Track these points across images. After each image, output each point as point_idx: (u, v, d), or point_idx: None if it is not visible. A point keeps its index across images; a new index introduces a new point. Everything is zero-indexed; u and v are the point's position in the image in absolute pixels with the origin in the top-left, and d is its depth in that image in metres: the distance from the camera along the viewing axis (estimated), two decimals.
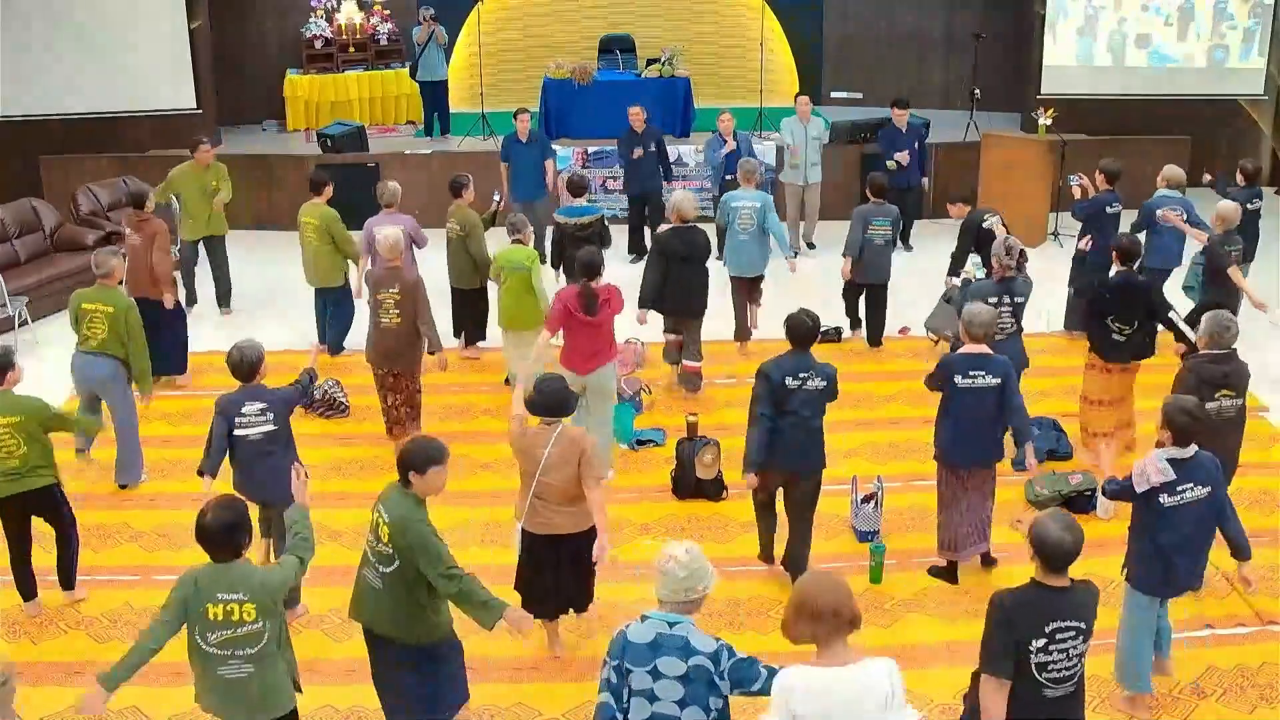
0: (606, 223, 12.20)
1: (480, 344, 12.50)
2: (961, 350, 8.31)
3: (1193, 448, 6.71)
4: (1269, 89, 18.04)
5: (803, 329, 8.08)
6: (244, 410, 7.74)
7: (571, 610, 7.76)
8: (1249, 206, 12.65)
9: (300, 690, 6.10)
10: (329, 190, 12.38)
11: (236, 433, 7.77)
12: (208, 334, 12.71)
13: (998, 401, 8.17)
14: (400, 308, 10.07)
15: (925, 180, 15.67)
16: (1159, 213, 11.69)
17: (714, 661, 5.12)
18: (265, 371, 7.98)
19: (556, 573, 7.46)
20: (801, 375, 7.97)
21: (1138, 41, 17.69)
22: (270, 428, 7.78)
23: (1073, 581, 5.33)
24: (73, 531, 8.28)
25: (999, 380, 8.13)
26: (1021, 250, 9.67)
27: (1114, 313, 9.79)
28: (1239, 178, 12.87)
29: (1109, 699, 7.24)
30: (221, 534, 5.68)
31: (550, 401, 7.27)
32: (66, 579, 8.30)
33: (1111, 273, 10.25)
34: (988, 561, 8.58)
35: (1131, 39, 17.69)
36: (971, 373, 8.13)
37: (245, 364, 7.83)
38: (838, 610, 4.79)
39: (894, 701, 4.76)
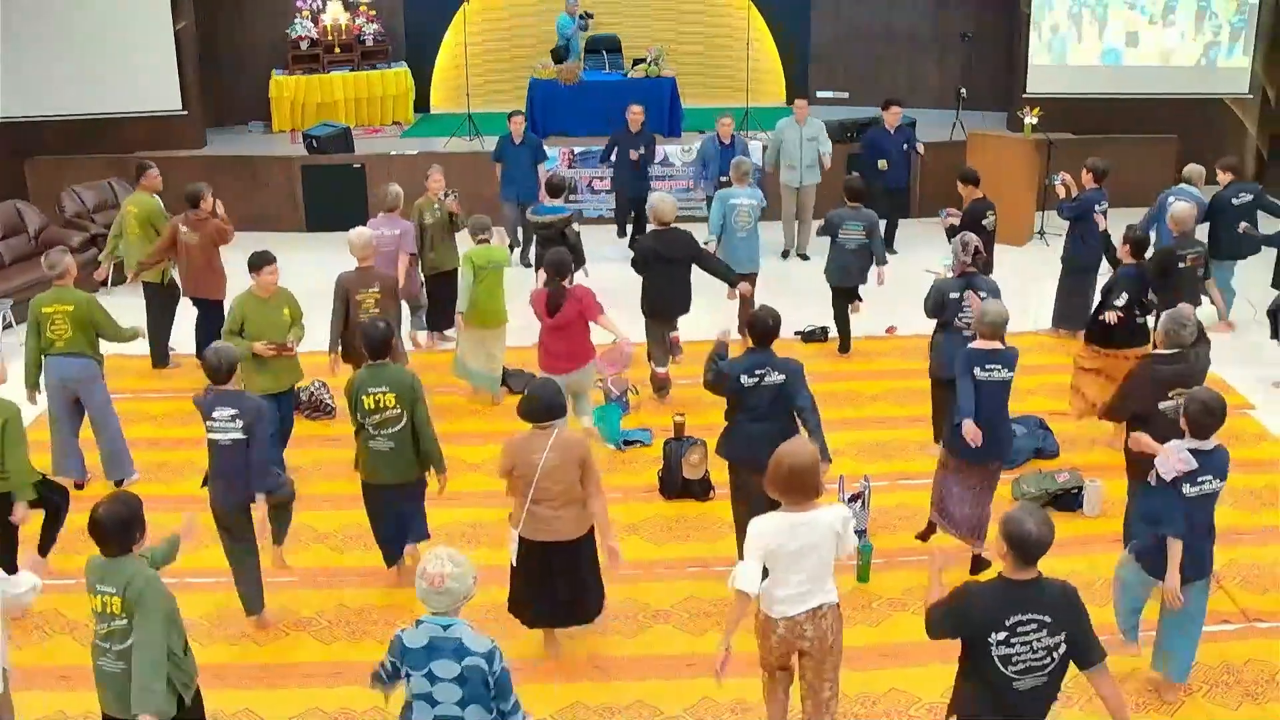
0: (575, 223, 12.14)
1: (449, 332, 12.41)
2: (975, 345, 8.33)
3: (1213, 441, 6.77)
4: (1254, 87, 18.09)
5: (762, 326, 8.07)
6: (214, 415, 7.64)
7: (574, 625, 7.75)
8: (1235, 201, 12.73)
9: (186, 704, 5.97)
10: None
11: (209, 436, 7.70)
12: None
13: (1008, 394, 8.29)
14: (381, 307, 10.03)
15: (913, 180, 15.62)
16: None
17: (488, 660, 5.25)
18: (240, 376, 7.92)
19: (552, 580, 7.42)
20: (758, 372, 7.97)
21: (1124, 40, 17.72)
22: (239, 436, 7.61)
23: (1040, 575, 5.34)
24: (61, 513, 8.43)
25: (1012, 374, 8.24)
26: (978, 248, 9.69)
27: (1134, 303, 10.01)
28: (1220, 175, 12.94)
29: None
30: (112, 529, 5.72)
31: (544, 405, 7.23)
32: (43, 546, 8.48)
33: (1126, 265, 10.29)
34: (978, 565, 8.57)
35: (1117, 38, 17.72)
36: (989, 366, 8.19)
37: (220, 368, 7.66)
38: (804, 480, 5.94)
39: (844, 536, 6.10)
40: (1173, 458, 6.75)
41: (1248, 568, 8.60)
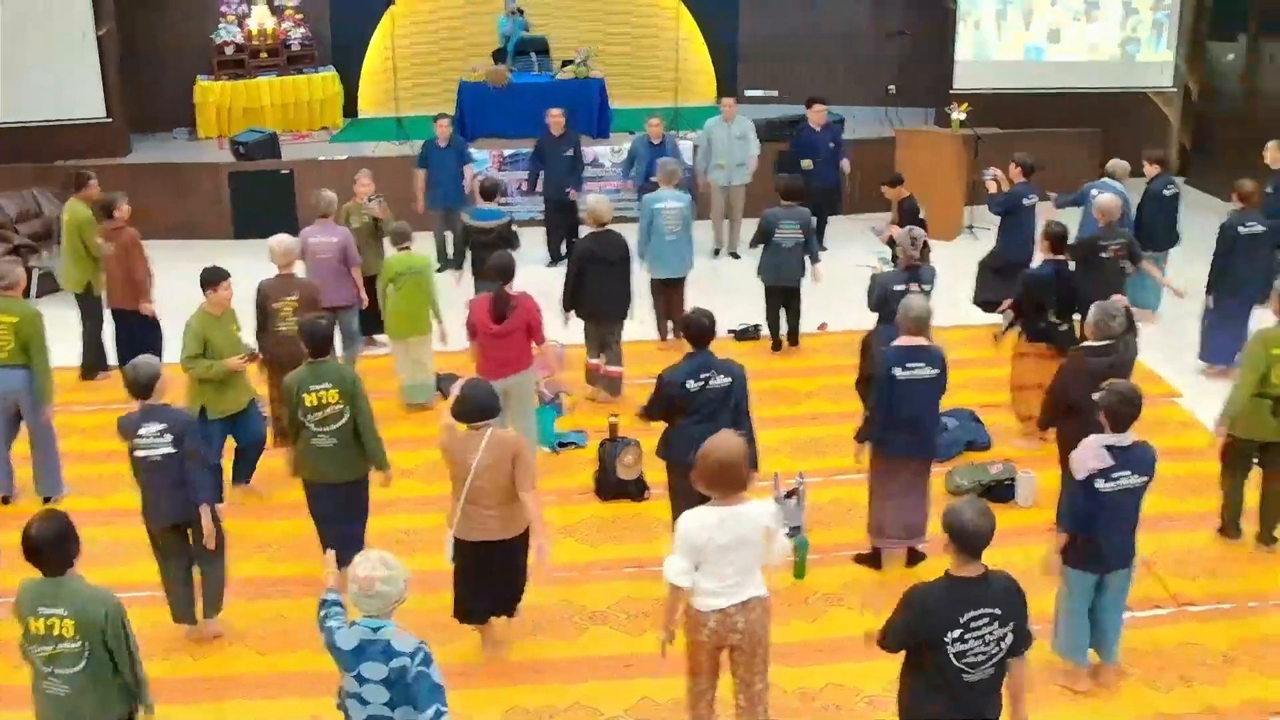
0: (515, 227, 12.12)
1: (379, 338, 12.28)
2: (898, 342, 8.34)
3: (1131, 435, 6.83)
4: (1177, 81, 18.35)
5: (700, 328, 8.10)
6: (141, 432, 7.48)
7: (504, 615, 7.74)
8: (1165, 193, 12.92)
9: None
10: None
11: (136, 454, 7.52)
12: None
13: (936, 392, 8.29)
14: (299, 315, 9.77)
15: (844, 162, 15.60)
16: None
17: (412, 659, 5.26)
18: (166, 389, 7.74)
19: (490, 579, 7.42)
20: (703, 376, 7.98)
21: (1048, 36, 17.92)
22: (169, 450, 7.48)
23: (987, 570, 5.41)
24: None
25: (938, 371, 8.22)
26: (925, 242, 9.78)
27: (1051, 300, 10.02)
28: (1148, 167, 13.11)
29: (1050, 673, 7.35)
30: (47, 546, 5.61)
31: (476, 405, 7.22)
32: None
33: (1038, 263, 10.40)
34: (914, 558, 8.62)
35: (1042, 33, 17.91)
36: (910, 365, 8.17)
37: (139, 382, 7.52)
38: (732, 473, 5.97)
39: (774, 534, 6.09)
40: (1087, 455, 6.82)
41: (1178, 554, 8.72)
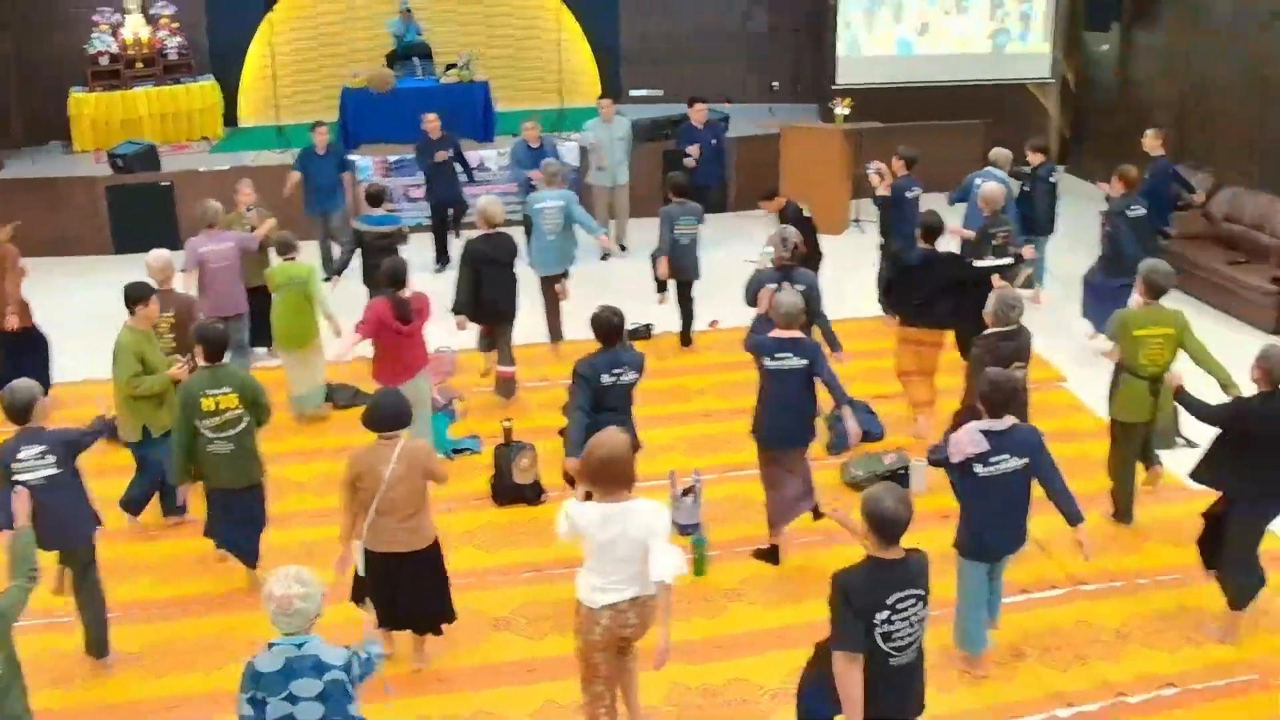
0: (406, 232, 12.01)
1: (259, 350, 12.08)
2: (772, 334, 8.42)
3: (1009, 419, 6.93)
4: (1055, 72, 18.70)
5: (609, 325, 8.16)
6: (20, 455, 7.23)
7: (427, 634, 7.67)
8: (1050, 180, 13.17)
9: None
10: None
11: (16, 479, 7.19)
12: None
13: (806, 383, 8.36)
14: (175, 332, 9.61)
15: (727, 175, 15.68)
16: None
17: (346, 671, 5.26)
18: (45, 412, 7.50)
19: (397, 590, 7.33)
20: (615, 371, 8.08)
21: (918, 30, 18.16)
22: (52, 471, 7.27)
23: (906, 551, 5.48)
24: None
25: (806, 361, 8.30)
26: (796, 244, 9.84)
27: (920, 288, 10.16)
28: (1031, 156, 13.34)
29: (949, 658, 7.46)
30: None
31: (389, 414, 7.14)
32: None
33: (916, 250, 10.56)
34: (815, 514, 8.71)
35: (917, 27, 18.16)
36: (779, 355, 8.30)
37: (15, 406, 7.29)
38: (616, 470, 6.00)
39: (657, 531, 5.99)
40: (963, 440, 6.92)
41: (1069, 534, 8.81)
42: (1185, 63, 16.28)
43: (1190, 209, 14.16)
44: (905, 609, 5.39)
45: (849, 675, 5.38)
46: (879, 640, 5.37)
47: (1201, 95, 15.82)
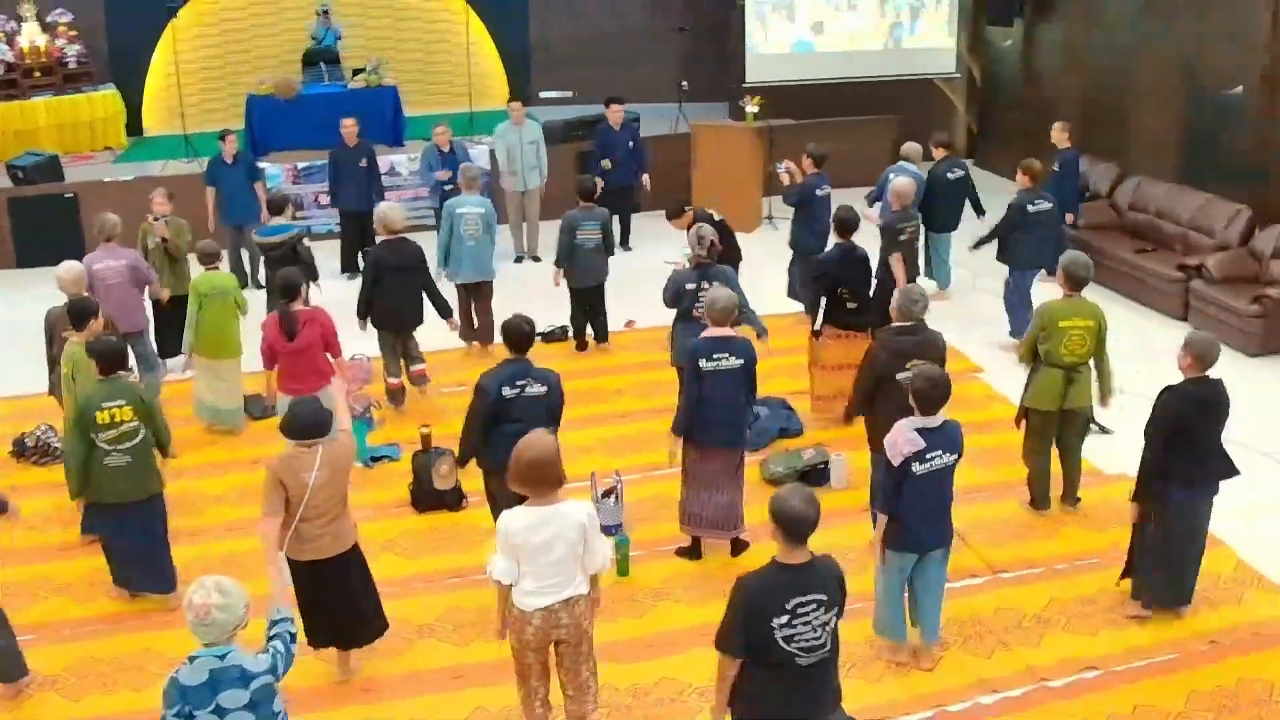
0: (304, 240, 11.79)
1: (170, 362, 11.88)
2: (705, 334, 8.41)
3: (941, 416, 6.98)
4: (960, 67, 18.92)
5: (519, 334, 8.04)
6: None
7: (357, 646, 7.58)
8: (950, 176, 13.29)
9: None
10: None
11: None
12: None
13: (740, 382, 8.35)
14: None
15: (644, 176, 15.65)
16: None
17: (274, 674, 5.26)
18: None
19: (325, 597, 7.24)
20: (519, 383, 7.90)
21: (813, 28, 18.30)
22: None
23: (813, 556, 5.46)
24: None
25: (743, 361, 8.30)
26: (713, 242, 9.87)
27: (841, 284, 10.18)
28: (935, 151, 13.48)
29: (875, 649, 7.53)
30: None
31: (308, 422, 7.02)
32: None
33: (830, 245, 10.63)
34: (738, 547, 8.68)
35: (823, 24, 18.30)
36: (716, 356, 8.26)
37: None
38: (545, 472, 6.04)
39: (591, 530, 6.15)
40: (900, 440, 6.96)
41: (988, 523, 8.98)
42: (1087, 55, 16.55)
43: (1098, 199, 14.42)
44: (806, 613, 5.38)
45: (724, 677, 5.55)
46: (781, 643, 5.37)
47: (1104, 88, 16.07)
